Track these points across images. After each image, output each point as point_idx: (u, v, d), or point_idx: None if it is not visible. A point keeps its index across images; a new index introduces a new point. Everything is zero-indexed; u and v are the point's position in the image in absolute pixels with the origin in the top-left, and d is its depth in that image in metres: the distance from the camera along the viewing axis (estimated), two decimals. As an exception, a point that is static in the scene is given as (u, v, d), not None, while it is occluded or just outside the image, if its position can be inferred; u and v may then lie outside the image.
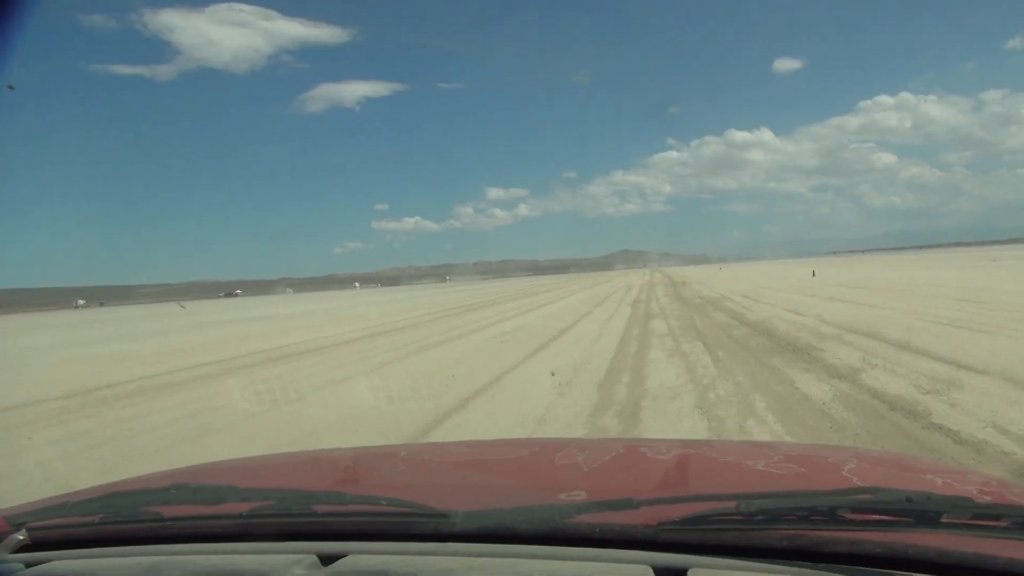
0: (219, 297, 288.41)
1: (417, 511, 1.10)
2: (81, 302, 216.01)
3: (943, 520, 0.90)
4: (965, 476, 1.66)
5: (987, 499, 1.16)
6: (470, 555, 0.99)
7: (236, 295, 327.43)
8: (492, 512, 1.07)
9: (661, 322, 16.21)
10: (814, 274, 40.87)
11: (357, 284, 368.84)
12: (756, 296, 23.78)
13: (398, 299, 56.71)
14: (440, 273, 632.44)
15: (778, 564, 0.91)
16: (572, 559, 0.96)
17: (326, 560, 1.01)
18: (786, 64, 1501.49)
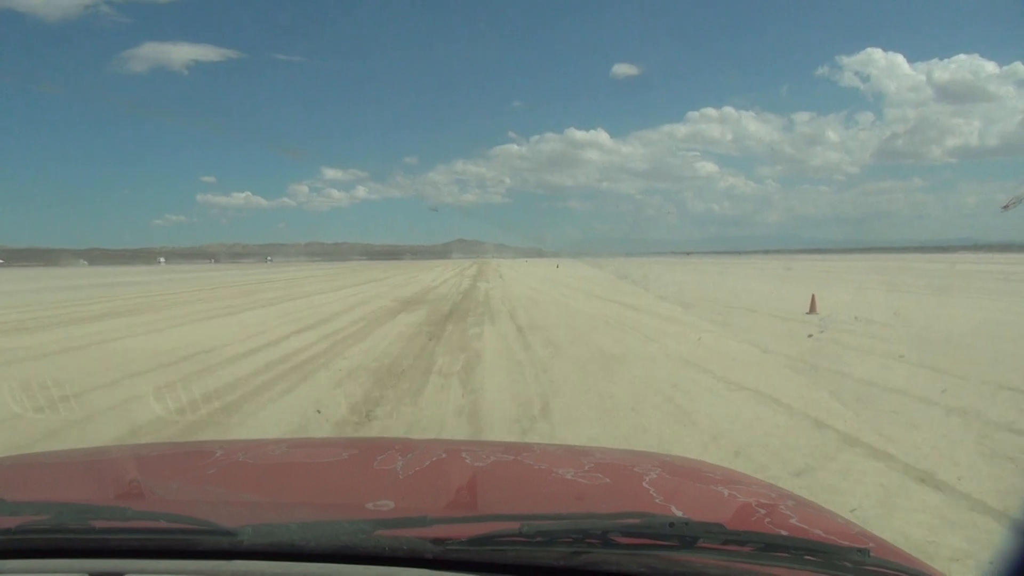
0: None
1: (201, 527, 1.06)
2: None
3: (699, 544, 0.99)
4: (750, 488, 1.69)
5: (761, 512, 1.35)
6: (252, 574, 0.98)
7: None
8: (280, 528, 1.04)
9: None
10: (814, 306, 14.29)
11: (162, 259, 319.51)
12: None
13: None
14: (265, 252, 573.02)
15: None
16: None
17: None
18: (624, 69, 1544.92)
